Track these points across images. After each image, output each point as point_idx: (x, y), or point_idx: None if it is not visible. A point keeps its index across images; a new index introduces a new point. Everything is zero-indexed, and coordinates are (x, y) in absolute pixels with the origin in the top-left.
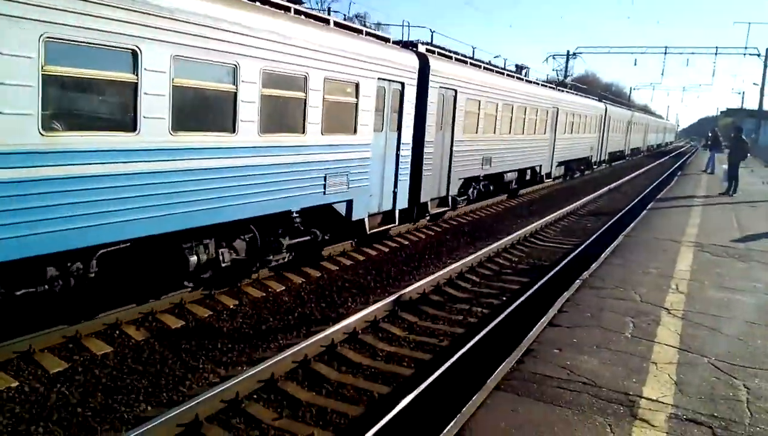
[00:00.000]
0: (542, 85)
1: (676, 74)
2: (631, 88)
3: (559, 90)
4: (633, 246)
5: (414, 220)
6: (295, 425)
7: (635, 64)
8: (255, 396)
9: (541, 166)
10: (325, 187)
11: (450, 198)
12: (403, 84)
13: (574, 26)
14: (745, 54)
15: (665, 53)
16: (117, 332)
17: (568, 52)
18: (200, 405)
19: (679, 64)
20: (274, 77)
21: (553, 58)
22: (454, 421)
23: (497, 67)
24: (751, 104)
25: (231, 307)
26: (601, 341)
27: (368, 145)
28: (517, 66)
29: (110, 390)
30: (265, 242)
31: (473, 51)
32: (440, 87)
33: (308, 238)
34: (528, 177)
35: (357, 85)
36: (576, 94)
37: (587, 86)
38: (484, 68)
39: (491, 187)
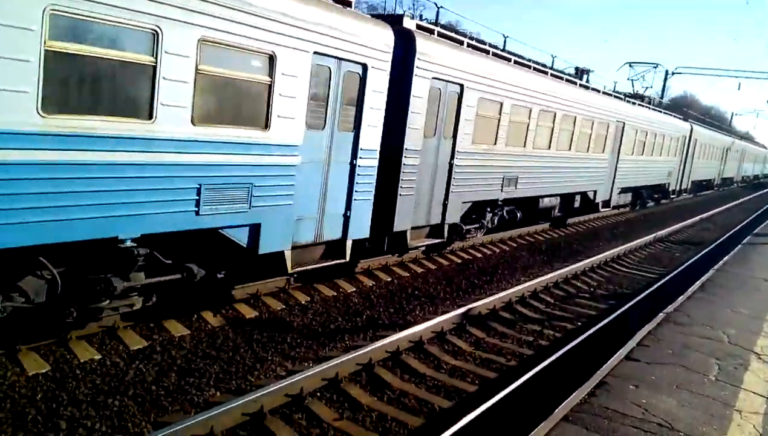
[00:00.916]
0: (605, 93)
1: None
2: (732, 114)
3: (629, 102)
4: (724, 282)
5: (386, 252)
6: (354, 428)
7: (739, 89)
8: (318, 394)
9: (596, 191)
10: (199, 205)
11: (446, 226)
12: (365, 66)
13: (672, 45)
14: None
15: None
16: (195, 316)
17: (666, 71)
18: (265, 397)
19: None
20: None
21: (630, 66)
22: None
23: (538, 64)
24: None
25: (303, 303)
26: (681, 381)
27: (294, 146)
28: (577, 69)
29: (184, 372)
30: (78, 282)
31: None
32: (434, 78)
33: (176, 276)
34: (577, 204)
35: (271, 58)
36: (651, 108)
37: (686, 108)
38: (515, 62)
39: (518, 215)
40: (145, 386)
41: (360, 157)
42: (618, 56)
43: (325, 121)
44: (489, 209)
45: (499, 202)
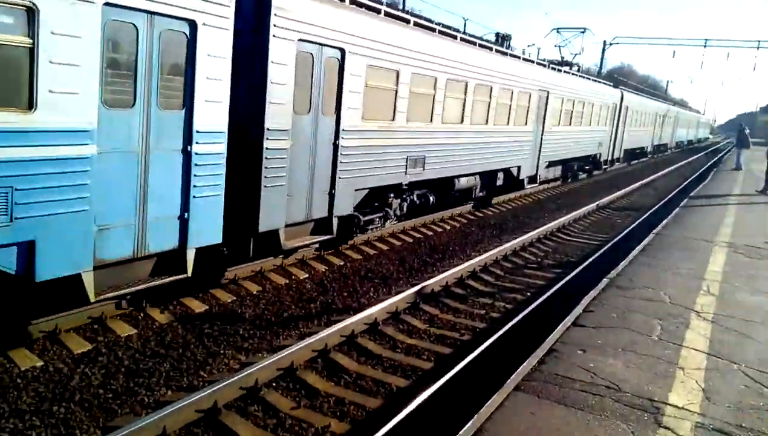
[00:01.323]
0: (526, 60)
1: (716, 68)
2: (667, 82)
3: (553, 69)
4: (664, 245)
5: (253, 258)
6: (312, 415)
7: (673, 57)
8: (274, 384)
9: (519, 167)
10: None
11: (335, 219)
12: (193, 24)
13: (609, 15)
14: None
15: (705, 46)
16: (142, 314)
17: (604, 42)
18: (219, 392)
19: (719, 57)
20: None
21: (557, 32)
22: (471, 422)
23: (447, 28)
24: None
25: (254, 293)
26: (626, 344)
27: (83, 132)
28: (497, 35)
29: (132, 372)
30: None
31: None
32: (301, 40)
33: None
34: (501, 182)
35: (31, 12)
36: (579, 75)
37: (623, 78)
38: (416, 24)
39: (431, 199)
40: (92, 390)
41: (196, 143)
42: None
43: (135, 96)
44: (393, 196)
45: (405, 187)
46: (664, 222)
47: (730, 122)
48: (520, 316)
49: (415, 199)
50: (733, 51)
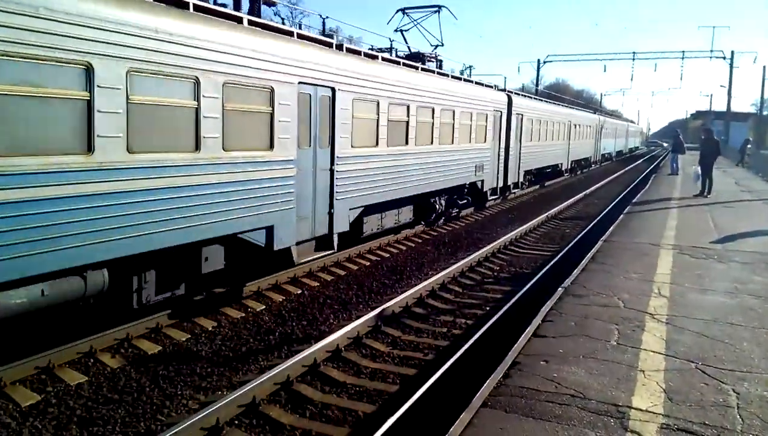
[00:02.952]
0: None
1: (646, 79)
2: (601, 95)
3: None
4: (613, 251)
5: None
6: None
7: (605, 71)
8: (236, 421)
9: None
10: None
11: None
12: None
13: (544, 36)
14: (711, 57)
15: (633, 59)
16: (91, 360)
17: (539, 60)
18: (179, 435)
19: (648, 69)
20: None
21: (404, 14)
22: None
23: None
24: (720, 106)
25: (209, 329)
26: (587, 351)
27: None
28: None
29: (85, 422)
30: None
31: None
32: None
33: None
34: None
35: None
36: (432, 73)
37: (559, 93)
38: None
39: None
40: None
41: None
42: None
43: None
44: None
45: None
46: (611, 229)
47: (663, 130)
48: (482, 331)
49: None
50: (660, 62)
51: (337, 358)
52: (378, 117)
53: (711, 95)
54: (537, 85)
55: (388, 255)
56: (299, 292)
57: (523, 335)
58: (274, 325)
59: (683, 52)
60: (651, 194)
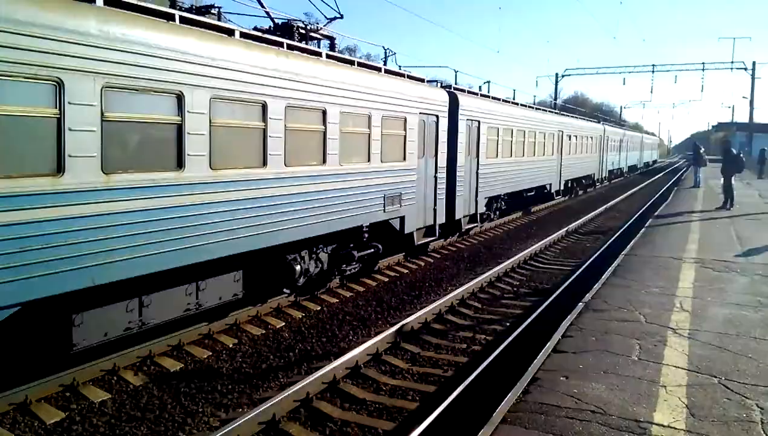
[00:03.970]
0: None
1: (666, 91)
2: (621, 108)
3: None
4: (634, 265)
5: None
6: None
7: (624, 84)
8: None
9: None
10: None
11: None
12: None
13: (562, 50)
14: (732, 69)
15: (653, 71)
16: (114, 378)
17: (557, 74)
18: None
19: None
20: None
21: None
22: None
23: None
24: (742, 118)
25: (230, 346)
26: (607, 366)
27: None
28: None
29: None
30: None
31: (456, 75)
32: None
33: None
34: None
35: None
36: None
37: (578, 107)
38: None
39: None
40: None
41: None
42: (531, 72)
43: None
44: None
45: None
46: (632, 242)
47: (685, 142)
48: (502, 347)
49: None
50: (680, 74)
51: (357, 375)
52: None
53: (733, 107)
54: (555, 98)
55: (407, 271)
56: (318, 308)
57: (542, 351)
58: (294, 342)
59: (703, 63)
60: (673, 208)
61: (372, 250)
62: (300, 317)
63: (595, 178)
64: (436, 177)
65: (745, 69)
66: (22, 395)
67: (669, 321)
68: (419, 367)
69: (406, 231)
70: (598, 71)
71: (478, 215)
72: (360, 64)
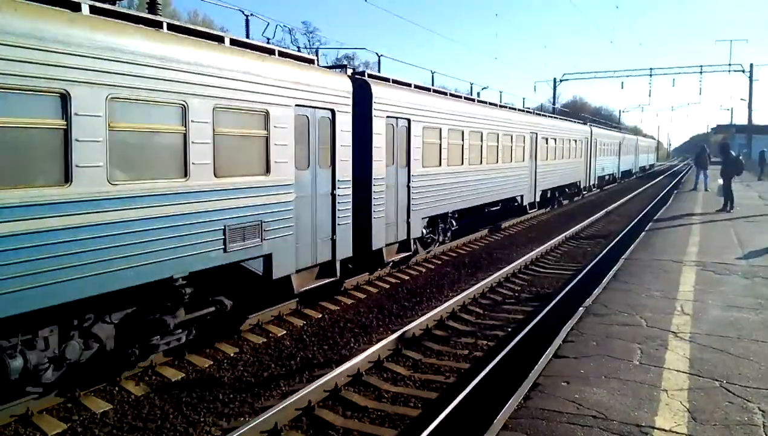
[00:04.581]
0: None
1: (664, 95)
2: (620, 111)
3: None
4: (634, 269)
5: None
6: None
7: (622, 88)
8: None
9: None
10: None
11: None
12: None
13: (559, 55)
14: (729, 71)
15: (651, 75)
16: (116, 388)
17: (555, 79)
18: None
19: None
20: None
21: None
22: None
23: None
24: (741, 120)
25: (232, 355)
26: (609, 371)
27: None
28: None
29: None
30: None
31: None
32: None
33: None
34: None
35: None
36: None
37: (577, 112)
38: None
39: None
40: None
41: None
42: (529, 78)
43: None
44: None
45: None
46: (632, 246)
47: (684, 145)
48: (503, 353)
49: None
50: (678, 77)
51: (358, 382)
52: None
53: (731, 109)
54: (554, 103)
55: (407, 278)
56: (320, 316)
57: (543, 356)
58: (295, 350)
59: (701, 66)
60: (672, 211)
61: (212, 308)
62: (301, 324)
63: (582, 187)
64: (333, 194)
65: (743, 71)
66: (24, 407)
67: (670, 325)
68: (421, 374)
69: (276, 276)
70: (596, 75)
71: (413, 241)
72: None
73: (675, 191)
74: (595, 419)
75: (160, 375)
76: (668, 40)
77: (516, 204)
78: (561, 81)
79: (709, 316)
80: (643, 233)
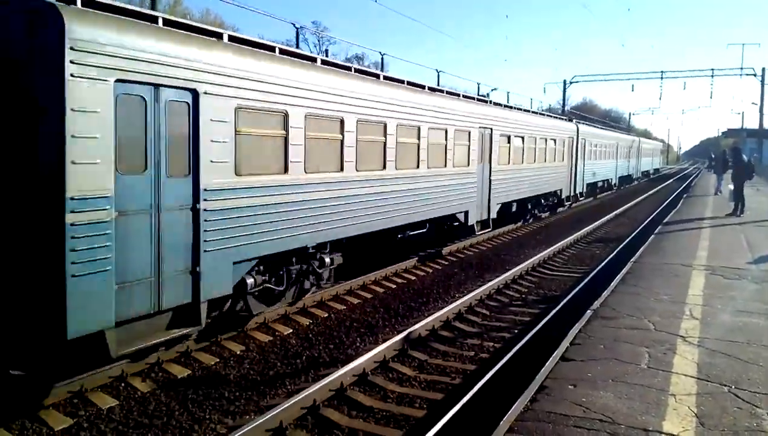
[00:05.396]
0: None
1: (675, 98)
2: (630, 114)
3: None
4: (643, 272)
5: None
6: None
7: (633, 90)
8: None
9: None
10: None
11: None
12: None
13: (570, 57)
14: (741, 75)
15: (662, 78)
16: (123, 384)
17: (564, 81)
18: None
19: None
20: None
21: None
22: None
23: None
24: (752, 124)
25: (238, 353)
26: (616, 374)
27: None
28: None
29: None
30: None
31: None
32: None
33: None
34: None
35: None
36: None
37: (586, 114)
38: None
39: None
40: None
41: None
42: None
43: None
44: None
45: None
46: (641, 250)
47: (695, 149)
48: (510, 354)
49: None
50: (689, 81)
51: (364, 382)
52: None
53: (742, 113)
54: (564, 105)
55: (414, 278)
56: (326, 315)
57: (550, 358)
58: (301, 349)
59: (712, 70)
60: (682, 214)
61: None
62: (307, 323)
63: (563, 197)
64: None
65: (755, 75)
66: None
67: (678, 329)
68: (427, 374)
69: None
70: (607, 78)
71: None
72: None
73: (685, 195)
74: (602, 423)
75: (167, 372)
76: (679, 43)
77: (456, 224)
78: (571, 83)
79: (719, 320)
80: (653, 236)
